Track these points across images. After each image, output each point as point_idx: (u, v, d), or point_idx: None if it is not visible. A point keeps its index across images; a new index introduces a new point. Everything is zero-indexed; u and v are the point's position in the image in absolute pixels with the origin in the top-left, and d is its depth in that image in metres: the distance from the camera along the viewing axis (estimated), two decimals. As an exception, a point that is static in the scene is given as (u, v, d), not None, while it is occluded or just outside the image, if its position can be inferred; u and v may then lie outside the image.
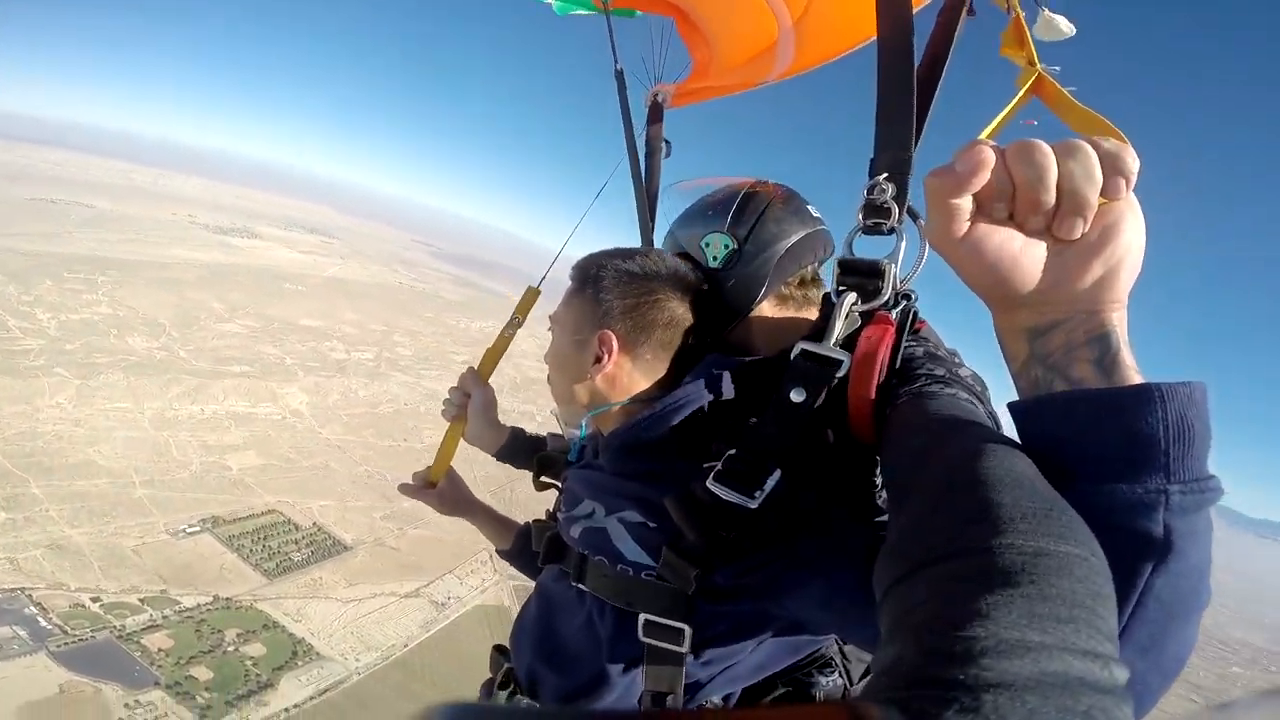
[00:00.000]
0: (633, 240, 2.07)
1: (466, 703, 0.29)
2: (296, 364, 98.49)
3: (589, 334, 1.34)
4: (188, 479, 60.49)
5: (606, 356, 1.31)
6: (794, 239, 1.42)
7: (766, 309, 1.44)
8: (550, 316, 1.47)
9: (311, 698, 39.45)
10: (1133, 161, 0.68)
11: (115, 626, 41.67)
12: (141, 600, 44.27)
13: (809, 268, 1.47)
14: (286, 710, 39.34)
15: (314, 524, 59.22)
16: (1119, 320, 0.72)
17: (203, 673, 40.08)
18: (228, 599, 47.28)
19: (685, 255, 1.50)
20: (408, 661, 42.57)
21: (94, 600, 43.31)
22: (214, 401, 77.45)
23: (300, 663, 42.62)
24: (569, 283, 1.43)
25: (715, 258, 1.44)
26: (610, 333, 1.31)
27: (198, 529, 53.90)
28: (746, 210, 1.44)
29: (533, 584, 1.61)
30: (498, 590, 52.62)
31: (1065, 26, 1.37)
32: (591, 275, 1.37)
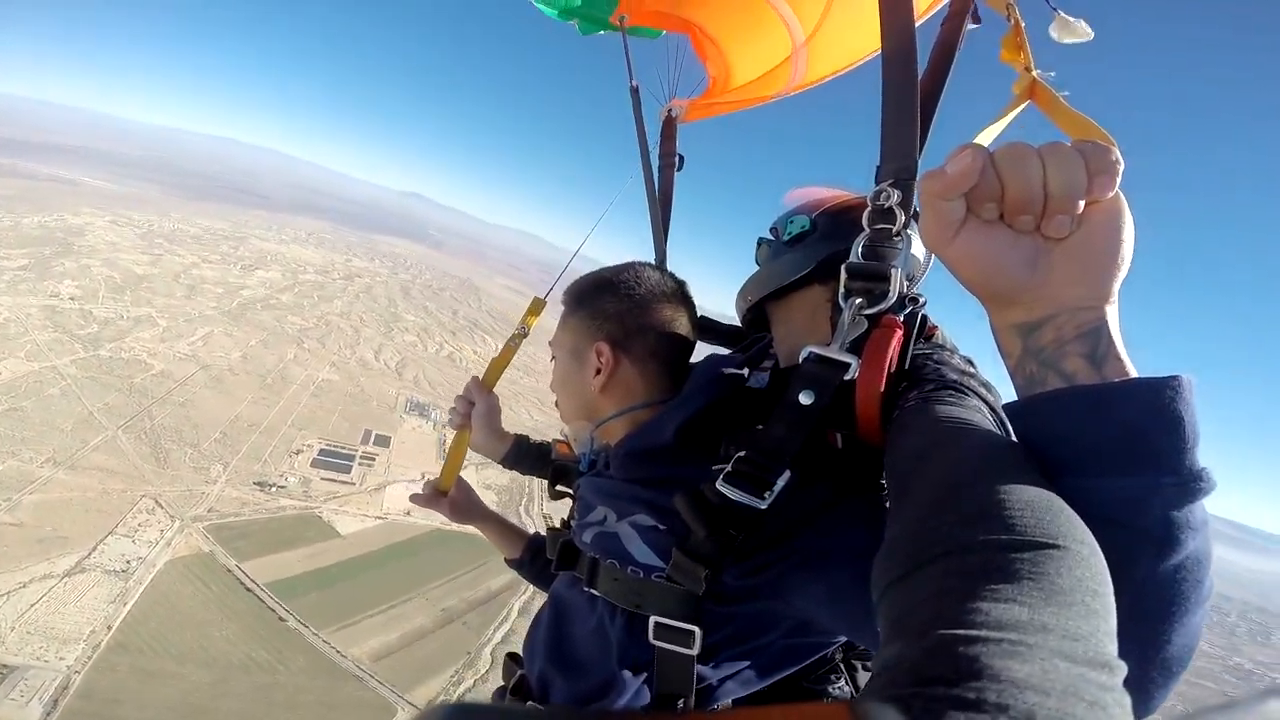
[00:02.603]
0: (646, 251, 2.10)
1: (466, 703, 0.30)
2: None
3: (586, 348, 1.38)
4: None
5: (604, 367, 1.35)
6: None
7: (817, 297, 1.46)
8: (550, 343, 1.52)
9: (48, 714, 31.91)
10: (1118, 161, 0.71)
11: None
12: None
13: None
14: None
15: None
16: (1110, 315, 0.73)
17: None
18: None
19: (774, 230, 1.62)
20: (126, 643, 37.14)
21: None
22: None
23: (-9, 681, 32.49)
24: (563, 308, 1.50)
25: (789, 233, 1.53)
26: (604, 343, 1.35)
27: None
28: (837, 207, 1.51)
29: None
30: (185, 538, 46.18)
31: (1083, 29, 1.40)
32: (583, 295, 1.44)
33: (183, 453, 57.46)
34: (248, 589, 44.21)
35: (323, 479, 61.70)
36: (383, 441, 73.75)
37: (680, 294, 1.46)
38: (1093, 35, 1.40)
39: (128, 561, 43.02)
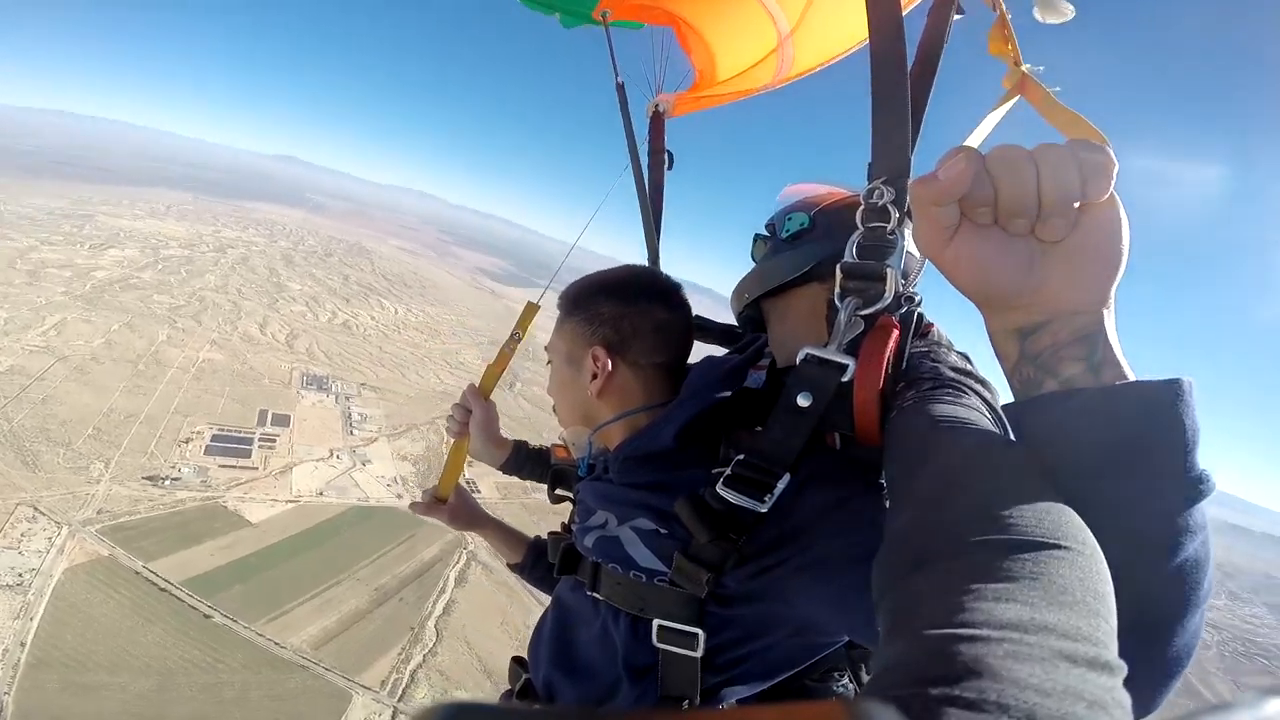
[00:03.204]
0: (638, 250, 2.11)
1: (466, 703, 0.30)
2: None
3: (582, 353, 1.37)
4: None
5: (600, 372, 1.34)
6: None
7: (815, 296, 1.45)
8: (546, 348, 1.50)
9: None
10: (1112, 162, 0.69)
11: None
12: None
13: None
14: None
15: None
16: (1106, 318, 0.73)
17: None
18: None
19: (770, 228, 1.60)
20: (47, 659, 34.04)
21: None
22: None
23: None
24: (559, 313, 1.48)
25: (787, 231, 1.52)
26: (600, 347, 1.34)
27: None
28: (836, 205, 1.50)
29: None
30: (79, 543, 41.78)
31: (1065, 8, 1.39)
32: (577, 299, 1.41)
33: (54, 453, 51.27)
34: (162, 589, 41.10)
35: (221, 466, 57.28)
36: (281, 421, 69.31)
37: (676, 296, 1.44)
38: (1073, 14, 1.40)
39: (19, 574, 38.61)
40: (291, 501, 55.85)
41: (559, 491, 1.79)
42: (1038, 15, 1.38)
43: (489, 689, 40.67)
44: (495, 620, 48.43)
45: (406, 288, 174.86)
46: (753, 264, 1.64)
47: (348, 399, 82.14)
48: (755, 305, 1.61)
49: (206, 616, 40.17)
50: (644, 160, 2.26)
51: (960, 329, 1.41)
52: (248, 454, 60.63)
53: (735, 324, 1.77)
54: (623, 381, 1.36)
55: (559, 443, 1.95)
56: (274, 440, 64.75)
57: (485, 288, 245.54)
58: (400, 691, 38.75)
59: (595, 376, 1.35)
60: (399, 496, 62.03)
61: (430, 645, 43.26)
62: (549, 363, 1.49)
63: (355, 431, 73.64)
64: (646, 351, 1.36)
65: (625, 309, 1.36)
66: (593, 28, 2.49)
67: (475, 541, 58.01)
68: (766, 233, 1.62)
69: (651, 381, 1.37)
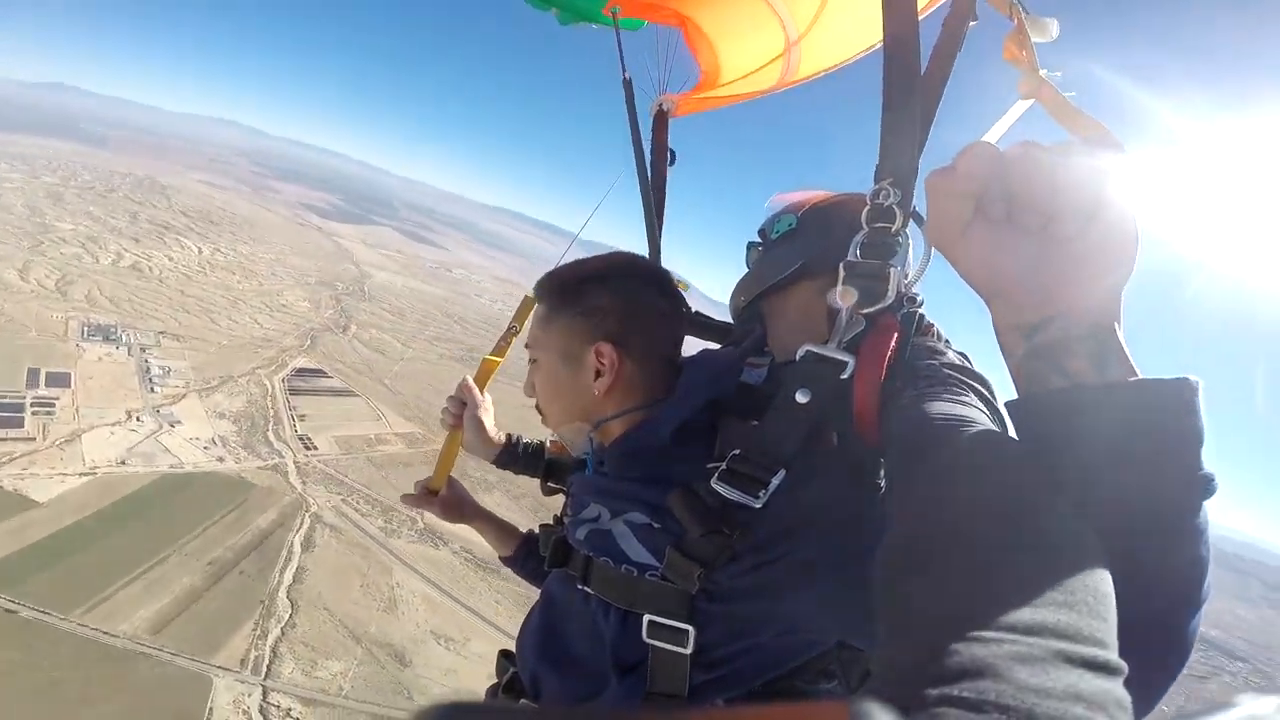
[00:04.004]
0: (640, 246, 2.10)
1: (464, 702, 0.30)
2: None
3: (582, 350, 1.31)
4: None
5: (607, 369, 1.29)
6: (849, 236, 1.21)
7: (809, 293, 1.48)
8: (528, 346, 1.45)
9: None
10: (1128, 161, 0.70)
11: None
12: None
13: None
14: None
15: None
16: (1115, 316, 0.72)
17: None
18: None
19: (762, 234, 1.64)
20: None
21: None
22: None
23: None
24: (540, 307, 1.42)
25: (777, 232, 1.56)
26: (605, 343, 1.28)
27: None
28: (821, 204, 1.54)
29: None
30: None
31: (1051, 28, 1.42)
32: (569, 292, 1.36)
33: None
34: (-59, 590, 34.80)
35: (-14, 440, 48.29)
36: (59, 380, 59.44)
37: (670, 283, 1.42)
38: (1058, 34, 1.42)
39: None
40: (86, 474, 48.94)
41: (551, 484, 1.86)
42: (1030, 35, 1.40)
43: (361, 655, 40.18)
44: (354, 583, 47.15)
45: (212, 225, 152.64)
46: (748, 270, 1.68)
47: (144, 350, 71.94)
48: (753, 307, 1.64)
49: (10, 611, 34.72)
50: (647, 157, 2.26)
51: (961, 329, 1.41)
52: (19, 422, 51.62)
53: (730, 320, 1.78)
54: (628, 377, 1.31)
55: (554, 439, 1.92)
56: (52, 404, 55.52)
57: (311, 224, 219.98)
58: (264, 669, 36.93)
59: (600, 374, 1.30)
60: (220, 460, 56.60)
61: (286, 617, 41.26)
62: (533, 361, 1.43)
63: (157, 388, 65.10)
64: (650, 344, 1.34)
65: (626, 300, 1.32)
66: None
67: (318, 503, 55.11)
68: (759, 240, 1.65)
69: (655, 376, 1.33)
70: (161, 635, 37.03)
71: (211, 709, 33.65)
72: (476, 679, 41.35)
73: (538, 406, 1.45)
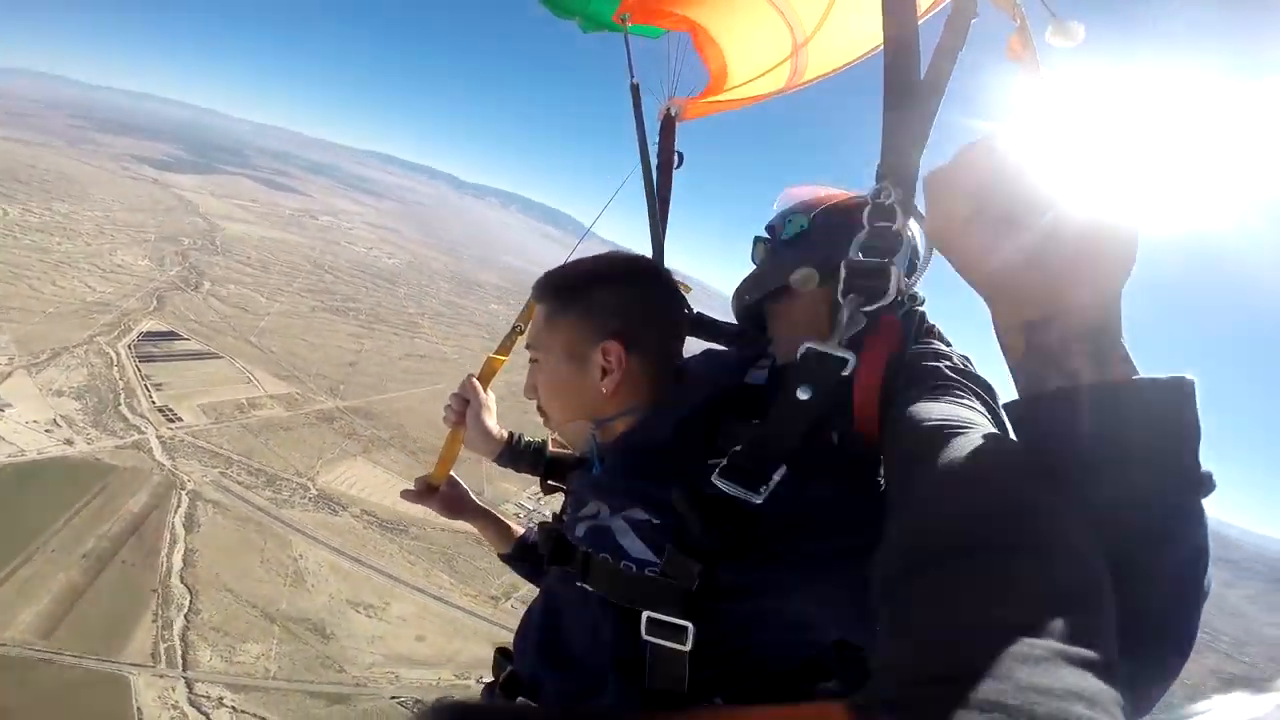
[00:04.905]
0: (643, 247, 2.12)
1: (465, 703, 0.29)
2: None
3: (589, 349, 1.33)
4: None
5: (615, 368, 1.31)
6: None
7: (815, 299, 1.47)
8: (529, 346, 1.46)
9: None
10: (1126, 164, 0.71)
11: None
12: None
13: None
14: None
15: None
16: (1114, 314, 0.73)
17: None
18: None
19: (771, 230, 1.62)
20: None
21: None
22: None
23: None
24: (541, 307, 1.43)
25: (788, 233, 1.54)
26: (614, 342, 1.30)
27: None
28: (835, 207, 1.52)
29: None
30: None
31: (1077, 31, 1.41)
32: (573, 290, 1.38)
33: None
34: None
35: None
36: None
37: (669, 280, 1.44)
38: (1083, 38, 1.41)
39: None
40: (-88, 467, 43.00)
41: (551, 482, 1.89)
42: (1049, 38, 1.40)
43: (279, 634, 40.14)
44: (253, 560, 46.04)
45: (20, 184, 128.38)
46: (753, 266, 1.67)
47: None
48: (756, 306, 1.64)
49: None
50: (653, 160, 2.28)
51: (960, 329, 1.42)
52: None
53: (735, 322, 1.78)
54: (633, 375, 1.33)
55: (556, 437, 1.93)
56: None
57: (145, 177, 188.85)
58: (180, 660, 36.18)
59: (606, 372, 1.31)
60: (68, 443, 51.51)
61: (187, 604, 39.93)
62: (533, 360, 1.44)
63: (-28, 370, 56.71)
64: (655, 344, 1.36)
65: (630, 298, 1.35)
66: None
67: (193, 479, 52.25)
68: (767, 235, 1.64)
69: (658, 375, 1.35)
70: (53, 638, 35.07)
71: (140, 709, 32.96)
72: (404, 643, 43.02)
73: (539, 406, 1.47)
